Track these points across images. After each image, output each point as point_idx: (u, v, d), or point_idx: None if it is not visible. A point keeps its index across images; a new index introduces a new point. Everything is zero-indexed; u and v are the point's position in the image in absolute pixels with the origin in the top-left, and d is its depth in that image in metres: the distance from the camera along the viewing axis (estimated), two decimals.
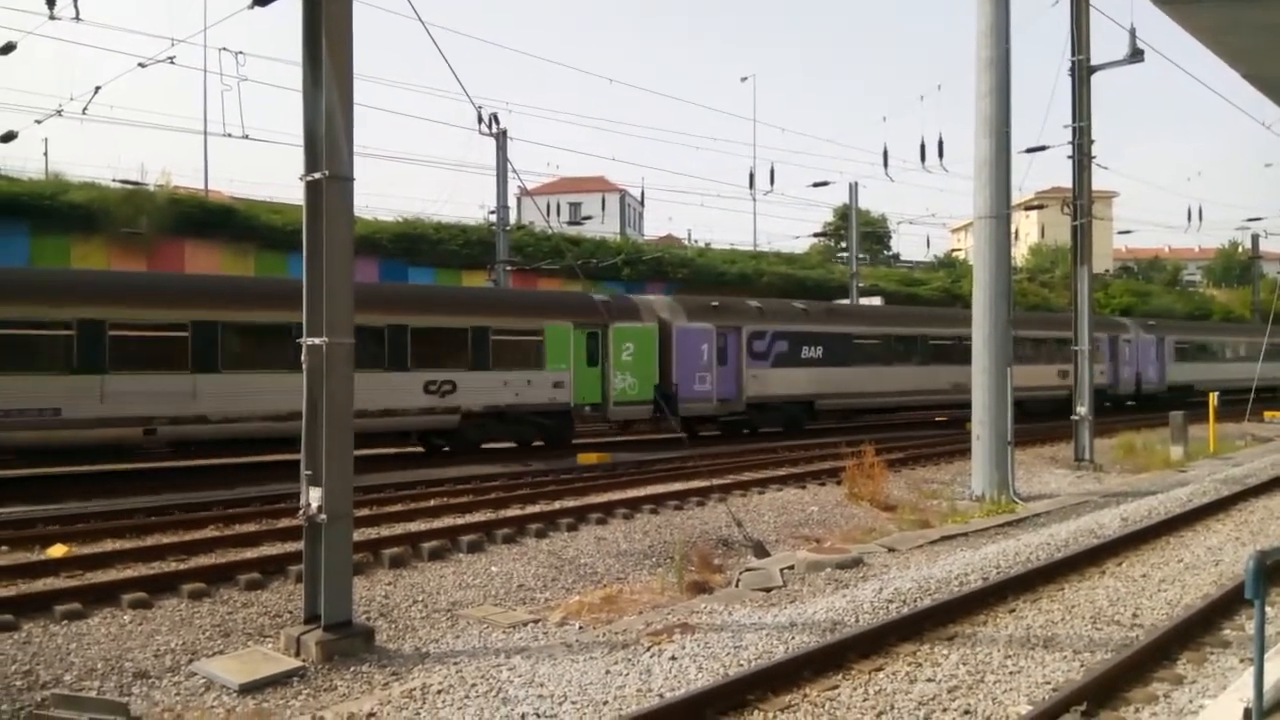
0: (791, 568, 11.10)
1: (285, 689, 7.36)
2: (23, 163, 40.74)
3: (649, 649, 7.74)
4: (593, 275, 37.52)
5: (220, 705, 7.17)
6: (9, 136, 20.68)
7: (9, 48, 17.45)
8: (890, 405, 30.23)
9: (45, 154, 44.32)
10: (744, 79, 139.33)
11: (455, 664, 7.73)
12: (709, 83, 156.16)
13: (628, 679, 6.96)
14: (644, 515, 14.58)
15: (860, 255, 42.99)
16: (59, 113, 19.42)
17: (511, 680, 7.04)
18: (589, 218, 50.96)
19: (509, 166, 30.83)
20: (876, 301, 38.82)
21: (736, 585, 10.50)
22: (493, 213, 33.78)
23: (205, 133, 36.97)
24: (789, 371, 26.85)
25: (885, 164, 34.02)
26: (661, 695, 6.58)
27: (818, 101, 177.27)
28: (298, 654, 7.96)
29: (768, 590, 10.07)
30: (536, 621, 9.23)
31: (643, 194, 65.47)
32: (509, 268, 33.06)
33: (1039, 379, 31.49)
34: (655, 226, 76.69)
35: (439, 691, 6.86)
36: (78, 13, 16.33)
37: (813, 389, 27.54)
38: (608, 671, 7.15)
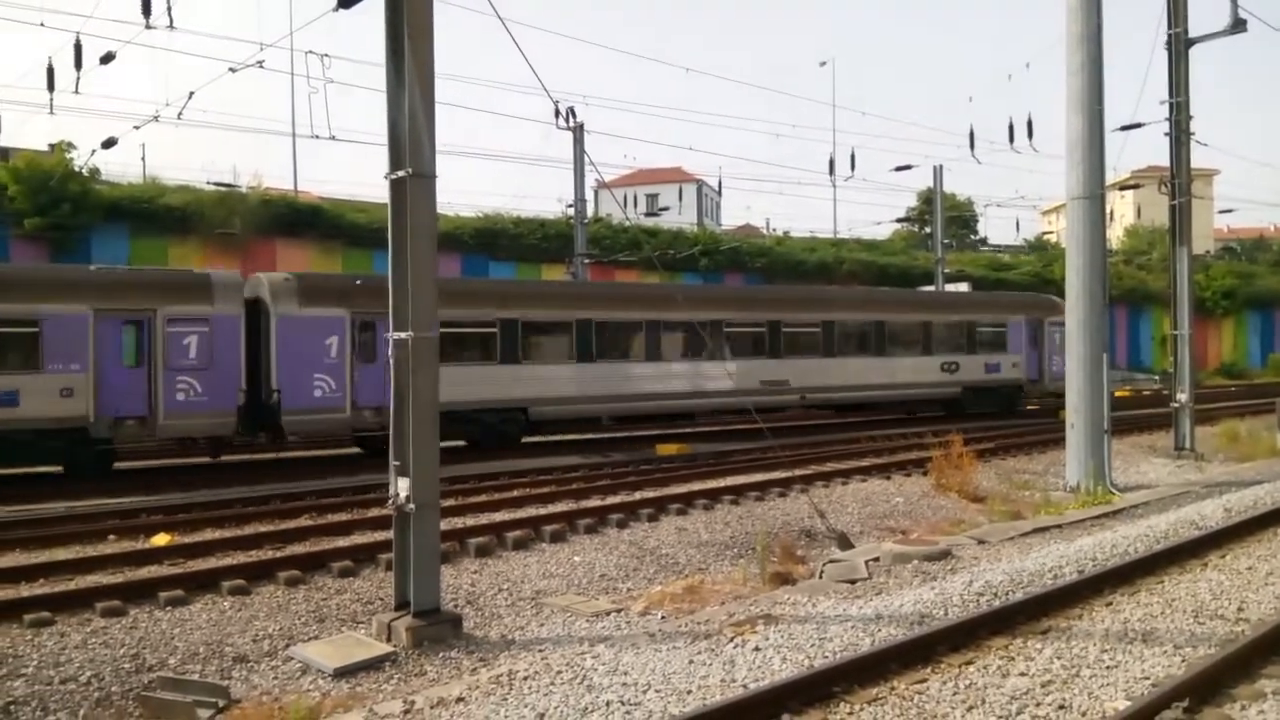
0: (877, 559, 10.94)
1: (378, 673, 7.57)
2: (123, 167, 42.61)
3: (732, 639, 7.73)
4: (670, 266, 37.48)
5: (316, 689, 7.41)
6: (110, 142, 21.46)
7: (109, 58, 18.15)
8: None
9: (143, 158, 46.55)
10: (823, 63, 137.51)
11: (540, 651, 7.84)
12: (786, 69, 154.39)
13: (711, 669, 6.95)
14: (724, 506, 14.54)
15: (946, 240, 41.95)
16: (156, 118, 20.12)
17: (596, 668, 7.10)
18: (666, 208, 50.73)
19: (586, 159, 31.03)
20: (964, 288, 37.74)
21: (820, 577, 10.39)
22: (570, 206, 34.02)
23: (293, 134, 38.27)
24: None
25: (971, 145, 33.02)
26: (745, 686, 6.56)
27: (900, 84, 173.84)
28: (389, 639, 8.18)
29: (852, 582, 9.94)
30: (619, 611, 9.29)
31: (720, 183, 65.27)
32: (587, 260, 33.27)
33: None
34: (733, 216, 76.15)
35: (525, 678, 6.97)
36: (171, 21, 16.92)
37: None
38: (691, 661, 7.15)
